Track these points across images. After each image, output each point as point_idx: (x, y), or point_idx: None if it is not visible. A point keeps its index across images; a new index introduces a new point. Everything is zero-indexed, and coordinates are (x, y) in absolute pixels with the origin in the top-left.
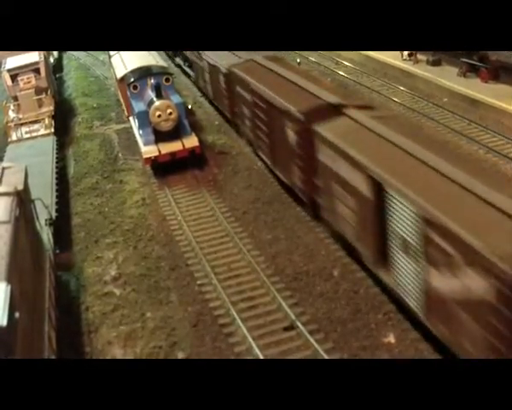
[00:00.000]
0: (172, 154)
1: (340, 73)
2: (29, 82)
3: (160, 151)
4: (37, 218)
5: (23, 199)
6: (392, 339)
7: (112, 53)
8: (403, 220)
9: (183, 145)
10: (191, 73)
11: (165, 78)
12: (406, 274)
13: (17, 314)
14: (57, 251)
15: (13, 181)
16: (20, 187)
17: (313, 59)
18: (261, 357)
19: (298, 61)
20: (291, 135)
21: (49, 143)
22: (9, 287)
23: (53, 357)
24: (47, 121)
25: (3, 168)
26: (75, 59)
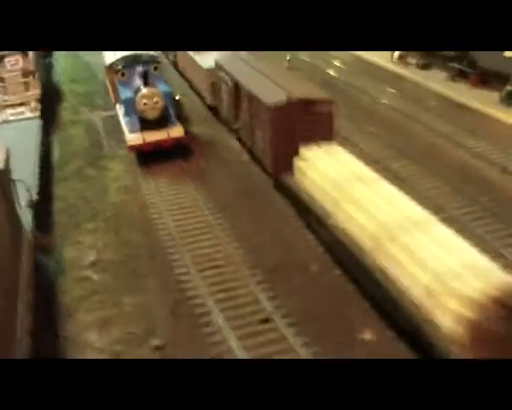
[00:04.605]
0: (157, 143)
1: (330, 72)
2: (16, 63)
3: (144, 139)
4: (18, 200)
5: (3, 179)
6: (369, 335)
7: None
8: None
9: (169, 134)
10: None
11: (153, 66)
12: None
13: None
14: (38, 234)
15: None
16: (1, 167)
17: (303, 58)
18: (235, 348)
19: (288, 58)
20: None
21: (35, 127)
22: None
23: (28, 339)
24: (33, 104)
25: None
26: None
